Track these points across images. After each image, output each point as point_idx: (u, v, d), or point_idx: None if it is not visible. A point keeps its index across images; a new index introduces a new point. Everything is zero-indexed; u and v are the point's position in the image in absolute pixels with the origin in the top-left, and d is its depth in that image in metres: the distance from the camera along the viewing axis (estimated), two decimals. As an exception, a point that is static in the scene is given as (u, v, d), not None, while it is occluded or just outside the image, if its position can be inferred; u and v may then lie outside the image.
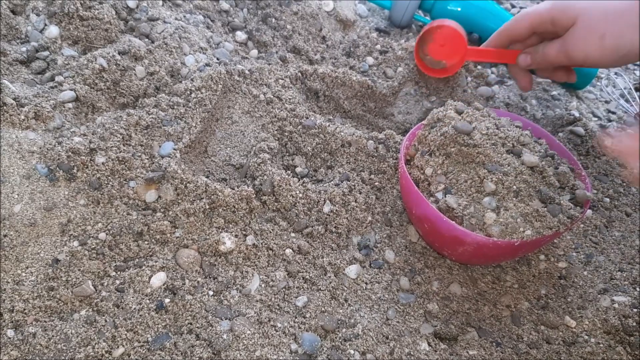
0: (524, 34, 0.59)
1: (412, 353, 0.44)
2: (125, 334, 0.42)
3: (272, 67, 0.64)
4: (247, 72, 0.61)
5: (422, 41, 0.65)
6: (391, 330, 0.46)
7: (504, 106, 0.70)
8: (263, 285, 0.47)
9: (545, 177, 0.47)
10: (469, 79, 0.70)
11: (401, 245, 0.52)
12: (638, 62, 0.84)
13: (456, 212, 0.46)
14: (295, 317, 0.45)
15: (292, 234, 0.51)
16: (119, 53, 0.57)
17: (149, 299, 0.44)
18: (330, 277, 0.49)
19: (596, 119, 0.72)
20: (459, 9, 0.71)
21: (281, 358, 0.42)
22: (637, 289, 0.50)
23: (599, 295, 0.50)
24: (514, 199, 0.46)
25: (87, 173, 0.48)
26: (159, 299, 0.44)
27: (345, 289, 0.48)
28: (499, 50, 0.62)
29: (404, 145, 0.52)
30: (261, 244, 0.49)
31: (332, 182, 0.54)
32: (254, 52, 0.67)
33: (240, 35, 0.68)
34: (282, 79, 0.63)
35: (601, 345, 0.46)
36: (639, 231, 0.57)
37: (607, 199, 0.61)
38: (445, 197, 0.47)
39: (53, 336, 0.41)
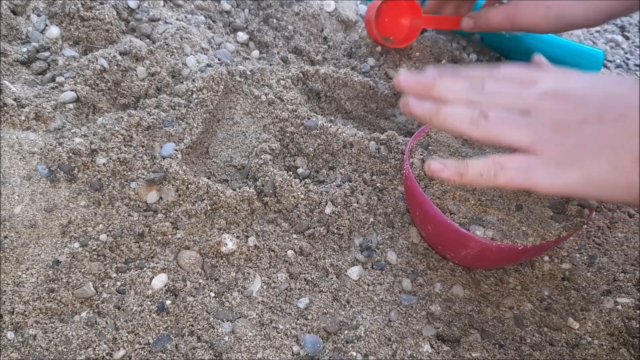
0: None
1: (414, 355, 0.44)
2: (126, 336, 0.41)
3: (274, 68, 0.64)
4: (248, 72, 0.61)
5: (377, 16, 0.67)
6: (393, 332, 0.45)
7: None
8: (265, 287, 0.47)
9: None
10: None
11: (403, 247, 0.52)
12: (638, 62, 0.84)
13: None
14: (297, 319, 0.45)
15: (294, 235, 0.51)
16: (120, 53, 0.56)
17: (150, 301, 0.43)
18: (332, 278, 0.48)
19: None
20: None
21: (283, 360, 0.42)
22: (641, 290, 0.50)
23: (602, 297, 0.50)
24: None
25: (88, 174, 0.48)
26: (160, 300, 0.44)
27: (347, 290, 0.48)
28: (453, 17, 0.66)
29: (409, 147, 0.51)
30: (263, 245, 0.49)
31: (334, 183, 0.54)
32: (255, 53, 0.67)
33: (242, 36, 0.68)
34: (284, 80, 0.62)
35: (604, 347, 0.46)
36: (642, 232, 0.57)
37: (610, 200, 0.60)
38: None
39: (53, 338, 0.41)
